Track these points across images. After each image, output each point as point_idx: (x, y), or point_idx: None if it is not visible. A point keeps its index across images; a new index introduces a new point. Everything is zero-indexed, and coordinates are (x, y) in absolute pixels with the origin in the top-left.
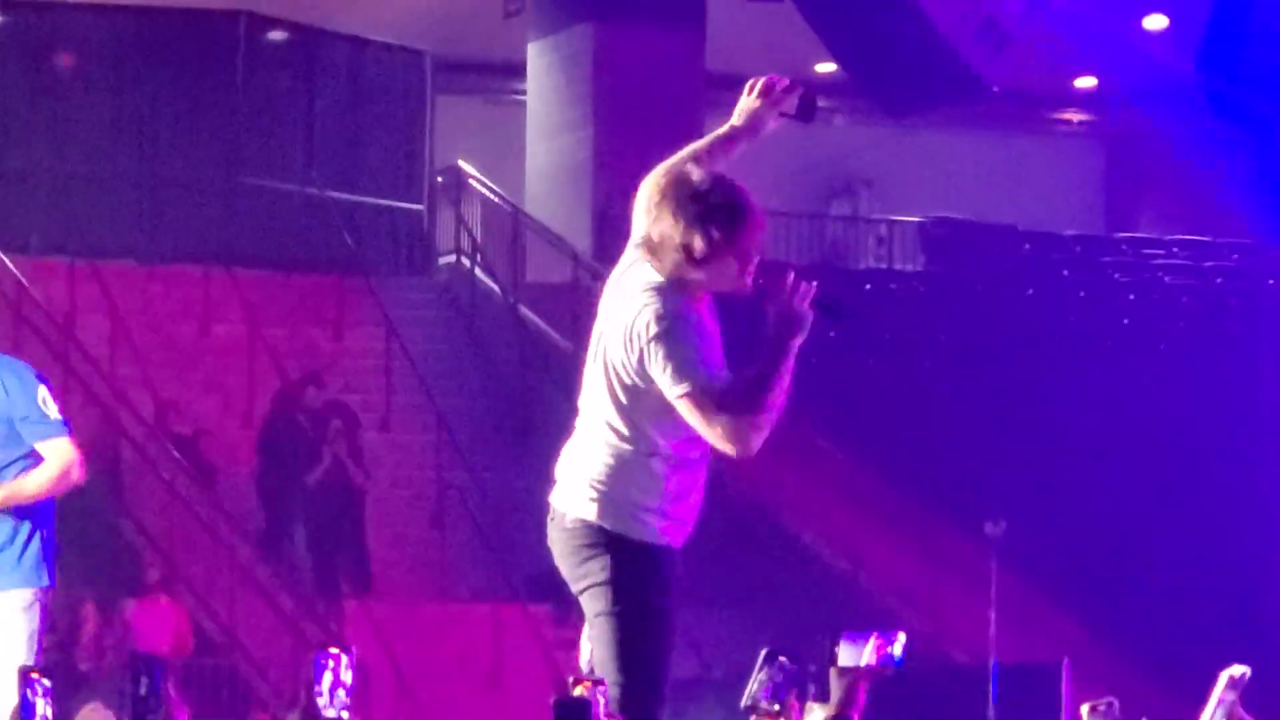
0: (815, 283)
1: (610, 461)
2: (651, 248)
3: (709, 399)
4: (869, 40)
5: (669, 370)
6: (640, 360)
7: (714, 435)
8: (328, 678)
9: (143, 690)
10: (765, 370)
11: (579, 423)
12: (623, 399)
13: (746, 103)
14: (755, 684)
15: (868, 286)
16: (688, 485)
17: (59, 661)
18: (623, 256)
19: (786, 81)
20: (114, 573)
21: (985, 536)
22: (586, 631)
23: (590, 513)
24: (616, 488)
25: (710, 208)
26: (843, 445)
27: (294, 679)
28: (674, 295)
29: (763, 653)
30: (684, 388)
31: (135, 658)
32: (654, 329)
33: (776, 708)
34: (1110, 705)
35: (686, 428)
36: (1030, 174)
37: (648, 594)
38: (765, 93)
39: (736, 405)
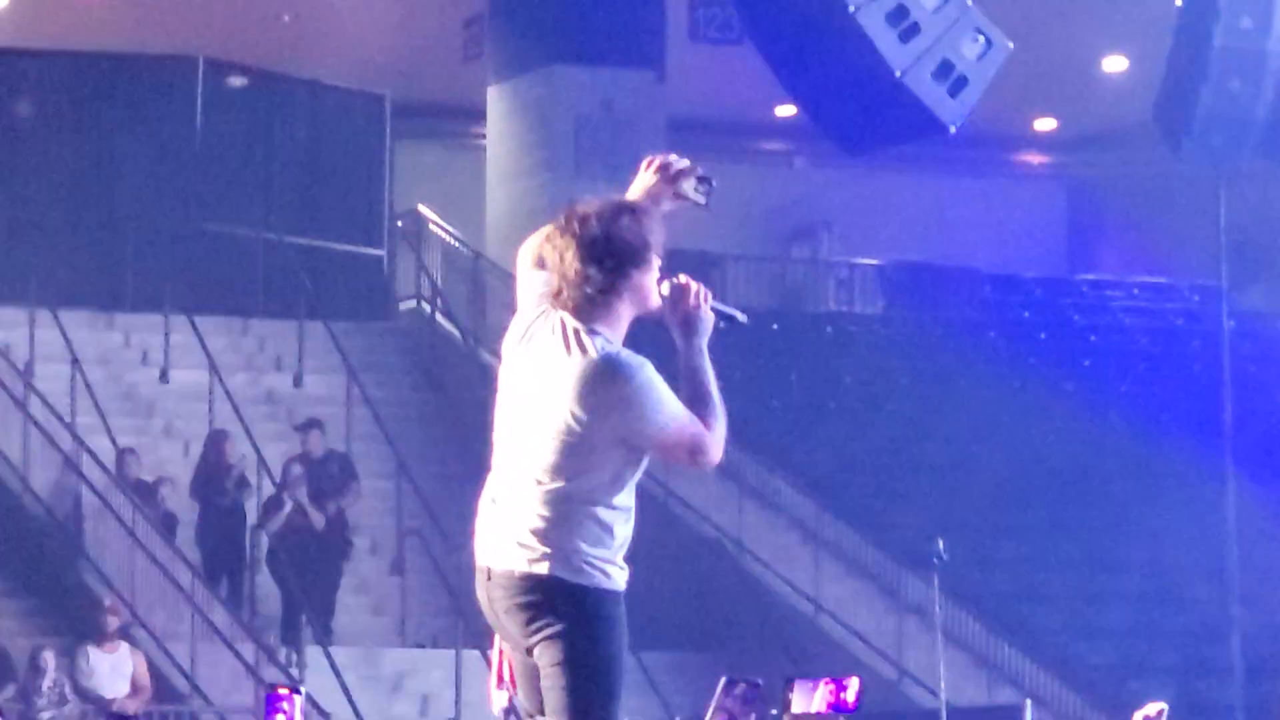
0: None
1: (552, 514)
2: (555, 297)
3: (686, 431)
4: (828, 83)
5: (652, 426)
6: (594, 411)
7: (697, 463)
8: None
9: None
10: (695, 381)
11: (497, 480)
12: (565, 453)
13: (644, 179)
14: (712, 714)
15: (829, 329)
16: (629, 532)
17: (20, 710)
18: (515, 323)
19: (686, 163)
20: (75, 620)
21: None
22: (495, 683)
23: (542, 567)
24: (566, 540)
25: (600, 245)
26: (803, 487)
27: None
28: (614, 345)
29: (722, 680)
30: (666, 433)
31: (107, 716)
32: (621, 393)
33: None
34: None
35: (628, 478)
36: (991, 216)
37: (606, 641)
38: (662, 169)
39: (708, 420)
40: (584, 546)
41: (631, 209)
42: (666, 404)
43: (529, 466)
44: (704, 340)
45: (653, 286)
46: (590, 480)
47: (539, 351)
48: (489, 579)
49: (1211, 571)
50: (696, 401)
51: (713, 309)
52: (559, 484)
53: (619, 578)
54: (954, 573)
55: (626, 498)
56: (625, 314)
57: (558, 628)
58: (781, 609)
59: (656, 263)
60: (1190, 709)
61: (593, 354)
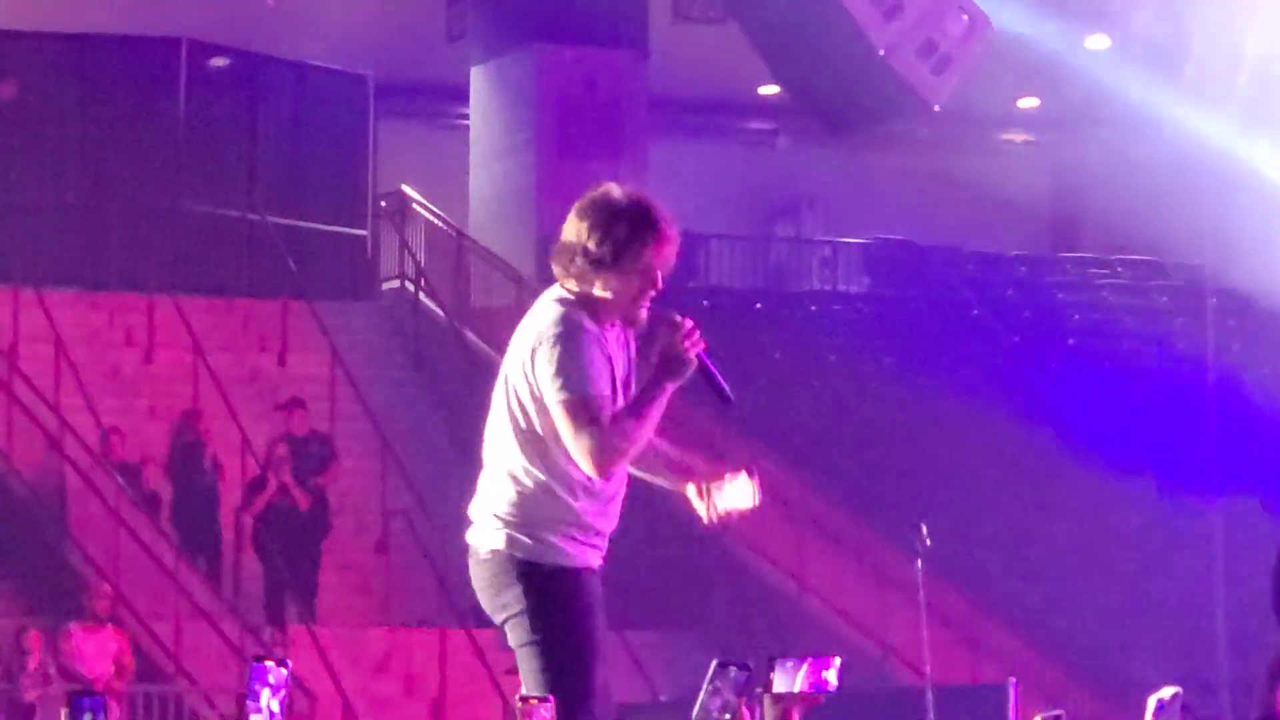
0: (705, 342)
1: (513, 491)
2: (557, 255)
3: (584, 411)
4: (812, 62)
5: (555, 373)
6: (535, 370)
7: (578, 448)
8: (265, 693)
9: None
10: (639, 401)
11: (484, 459)
12: (523, 426)
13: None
14: (706, 695)
15: (812, 307)
16: (598, 511)
17: (3, 690)
18: None
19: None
20: (59, 601)
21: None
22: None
23: (500, 543)
24: (521, 515)
25: (618, 211)
26: (787, 466)
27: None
28: (578, 309)
29: (713, 664)
30: (564, 394)
31: (73, 694)
32: (551, 332)
33: (728, 718)
34: (1058, 718)
35: None
36: (974, 194)
37: (565, 619)
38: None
39: (607, 425)
40: (541, 522)
41: (661, 218)
42: (576, 367)
43: (499, 443)
44: (674, 384)
45: (642, 293)
46: (531, 447)
47: (522, 325)
48: (470, 557)
49: (1198, 547)
50: (629, 410)
51: (706, 368)
52: (505, 452)
53: (581, 554)
54: (939, 550)
55: (589, 479)
56: (616, 289)
57: (518, 607)
58: (765, 587)
59: (657, 280)
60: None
61: (538, 302)
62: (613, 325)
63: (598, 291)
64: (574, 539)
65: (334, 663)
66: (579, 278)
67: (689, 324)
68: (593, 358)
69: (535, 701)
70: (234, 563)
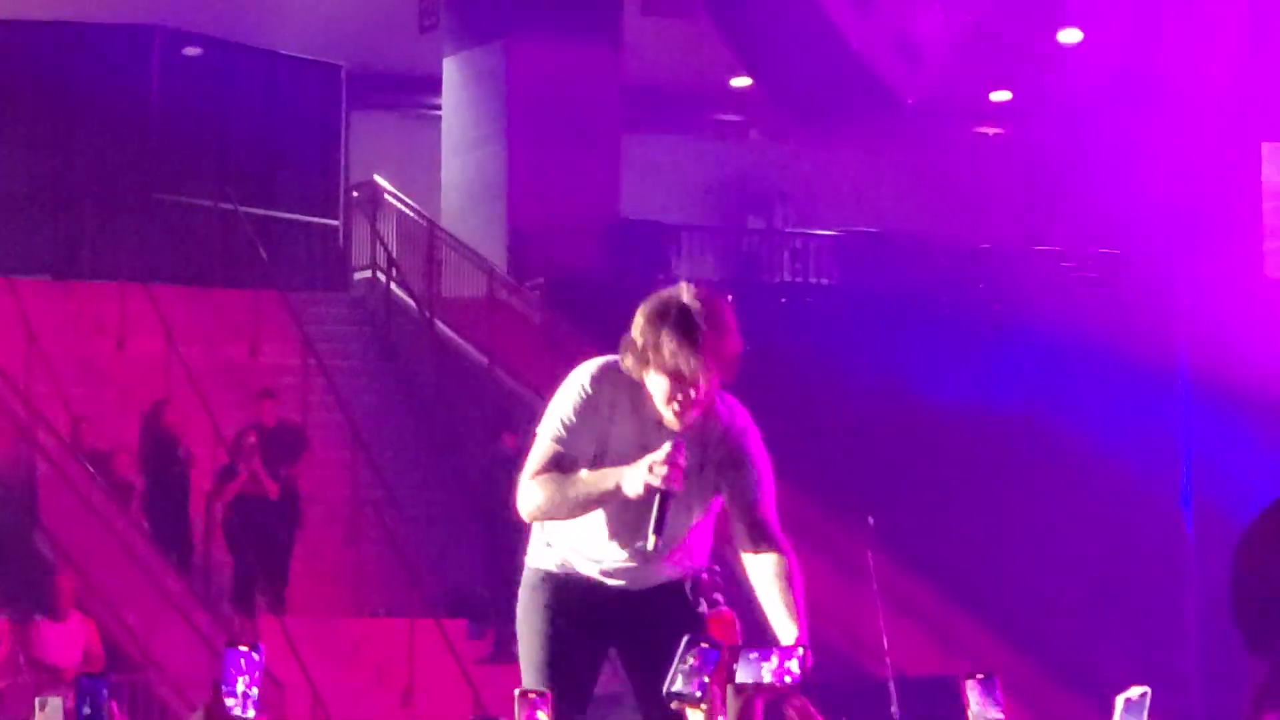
0: (676, 490)
1: None
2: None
3: (534, 452)
4: (784, 54)
5: (550, 406)
6: None
7: (520, 481)
8: (241, 680)
9: (86, 710)
10: (581, 479)
11: None
12: None
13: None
14: (678, 672)
15: (783, 300)
16: (594, 543)
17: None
18: None
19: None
20: (29, 589)
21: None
22: None
23: None
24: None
25: (663, 311)
26: None
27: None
28: (607, 373)
29: (684, 640)
30: (537, 430)
31: (79, 678)
32: (566, 379)
33: (699, 695)
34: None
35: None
36: (946, 187)
37: (533, 619)
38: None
39: (531, 477)
40: (536, 529)
41: (698, 328)
42: (553, 414)
43: None
44: (622, 493)
45: (668, 397)
46: None
47: None
48: None
49: (1169, 540)
50: (565, 480)
51: (663, 504)
52: None
53: (548, 557)
54: (908, 542)
55: None
56: (652, 383)
57: None
58: (734, 579)
59: (681, 386)
60: (1147, 679)
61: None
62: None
63: (646, 379)
64: (552, 544)
65: (303, 652)
66: (632, 365)
67: (679, 460)
68: (576, 413)
69: (532, 695)
70: (204, 553)
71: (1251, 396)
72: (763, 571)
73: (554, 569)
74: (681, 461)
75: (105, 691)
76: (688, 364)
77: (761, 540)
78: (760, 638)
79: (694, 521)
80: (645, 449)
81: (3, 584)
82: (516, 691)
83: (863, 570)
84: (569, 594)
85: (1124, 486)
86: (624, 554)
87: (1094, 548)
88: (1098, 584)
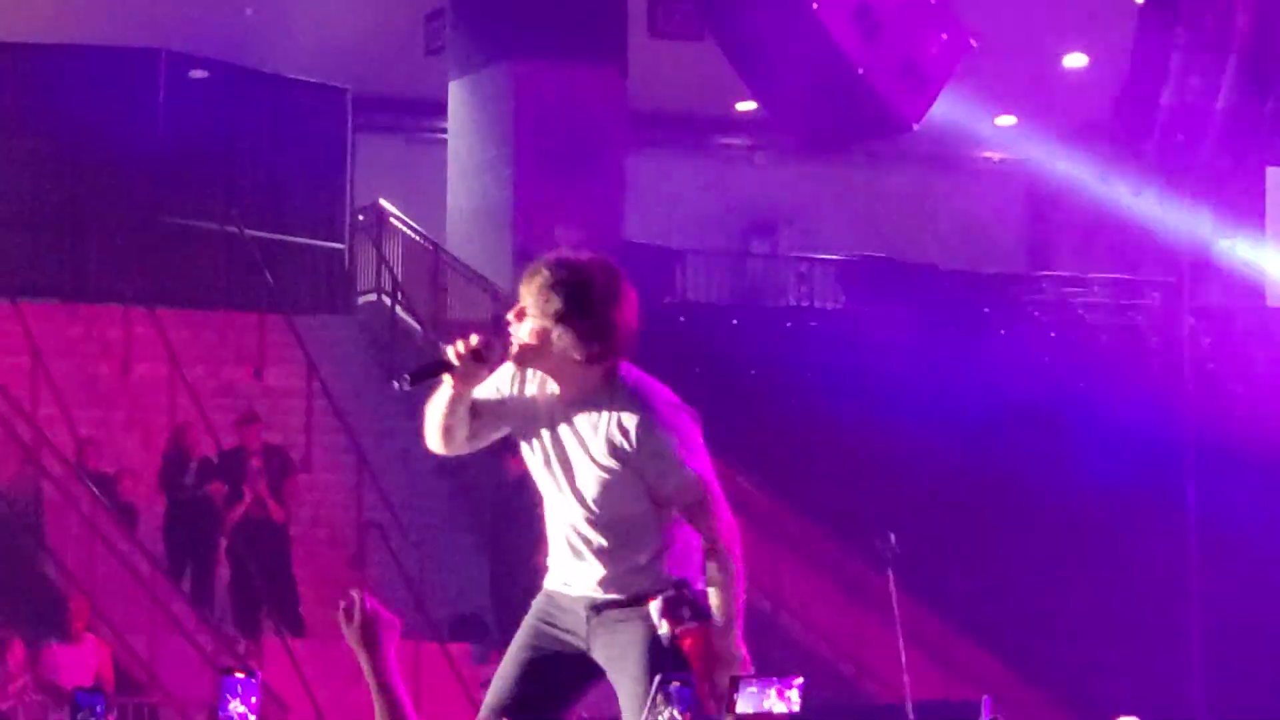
0: (452, 363)
1: None
2: None
3: None
4: (789, 78)
5: None
6: None
7: None
8: (236, 704)
9: None
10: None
11: None
12: None
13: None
14: (649, 715)
15: (788, 324)
16: (556, 544)
17: None
18: None
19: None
20: (35, 612)
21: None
22: None
23: None
24: None
25: None
26: (762, 484)
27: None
28: None
29: (656, 680)
30: None
31: (76, 692)
32: None
33: None
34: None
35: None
36: (950, 212)
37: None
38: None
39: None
40: None
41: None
42: None
43: None
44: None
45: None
46: None
47: None
48: None
49: (1174, 567)
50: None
51: (436, 366)
52: None
53: (549, 576)
54: (912, 569)
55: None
56: None
57: None
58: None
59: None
60: (1151, 707)
61: None
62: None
63: None
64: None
65: (308, 674)
66: None
67: (470, 342)
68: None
69: None
70: (210, 575)
71: (1257, 422)
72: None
73: (547, 586)
74: (473, 344)
75: (101, 707)
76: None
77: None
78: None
79: (615, 504)
80: (535, 404)
81: (10, 607)
82: None
83: (868, 595)
84: (550, 607)
85: (1129, 512)
86: (563, 547)
87: (1099, 573)
88: (1103, 610)
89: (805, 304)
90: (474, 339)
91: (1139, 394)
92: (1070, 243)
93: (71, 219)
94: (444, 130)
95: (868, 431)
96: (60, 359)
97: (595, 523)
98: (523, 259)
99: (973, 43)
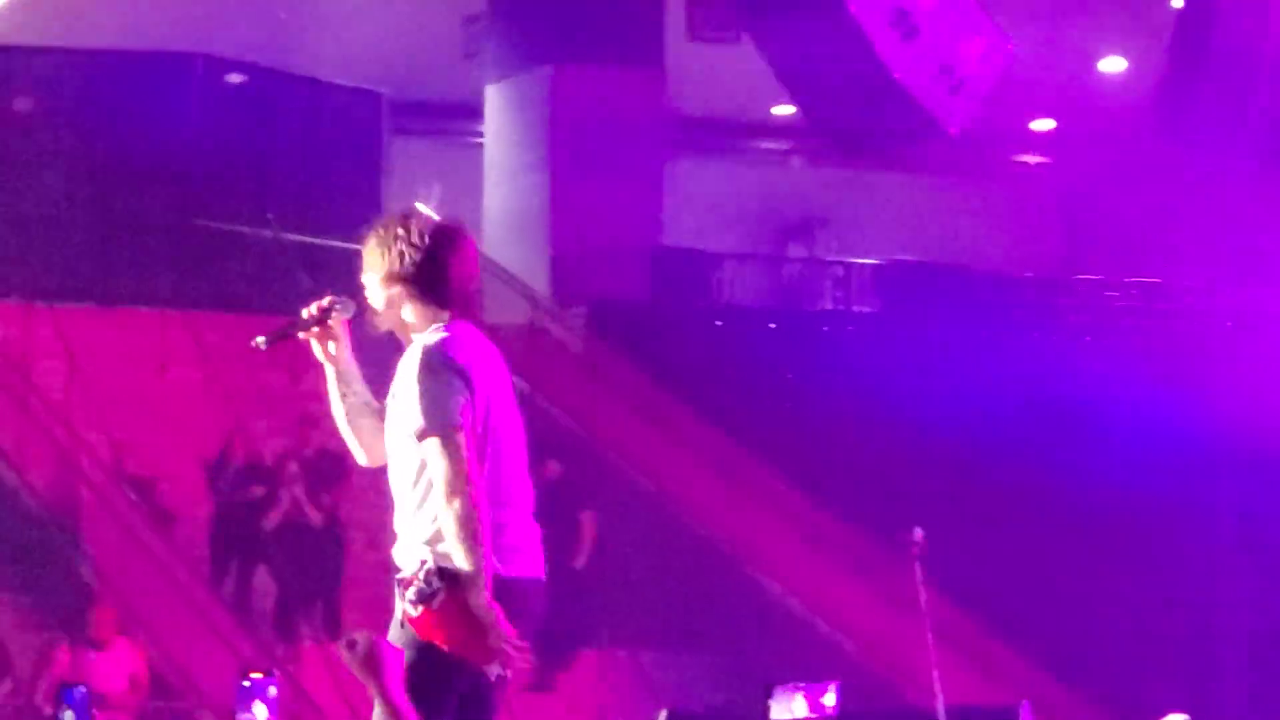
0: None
1: None
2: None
3: None
4: (827, 82)
5: None
6: None
7: None
8: (259, 707)
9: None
10: None
11: (524, 493)
12: None
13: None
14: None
15: (824, 328)
16: None
17: (21, 705)
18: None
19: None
20: (72, 616)
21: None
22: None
23: None
24: None
25: None
26: (800, 488)
27: None
28: None
29: (663, 714)
30: None
31: (60, 687)
32: None
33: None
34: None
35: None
36: (987, 216)
37: None
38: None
39: None
40: None
41: None
42: None
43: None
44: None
45: None
46: None
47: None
48: (544, 590)
49: (1211, 569)
50: None
51: (292, 326)
52: None
53: None
54: (948, 571)
55: None
56: None
57: None
58: (776, 608)
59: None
60: (1191, 709)
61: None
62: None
63: None
64: None
65: (344, 680)
66: None
67: (322, 303)
68: None
69: None
70: (250, 579)
71: None
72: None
73: None
74: (326, 305)
75: (84, 703)
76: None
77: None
78: None
79: (397, 465)
80: None
81: (45, 611)
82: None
83: (903, 597)
84: None
85: (1166, 514)
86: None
87: (1136, 576)
88: (1140, 612)
89: (842, 308)
90: (327, 299)
91: (1175, 396)
92: (1106, 246)
93: (107, 223)
94: (481, 134)
95: (903, 435)
96: (95, 363)
97: (395, 490)
98: (559, 263)
99: (1011, 47)
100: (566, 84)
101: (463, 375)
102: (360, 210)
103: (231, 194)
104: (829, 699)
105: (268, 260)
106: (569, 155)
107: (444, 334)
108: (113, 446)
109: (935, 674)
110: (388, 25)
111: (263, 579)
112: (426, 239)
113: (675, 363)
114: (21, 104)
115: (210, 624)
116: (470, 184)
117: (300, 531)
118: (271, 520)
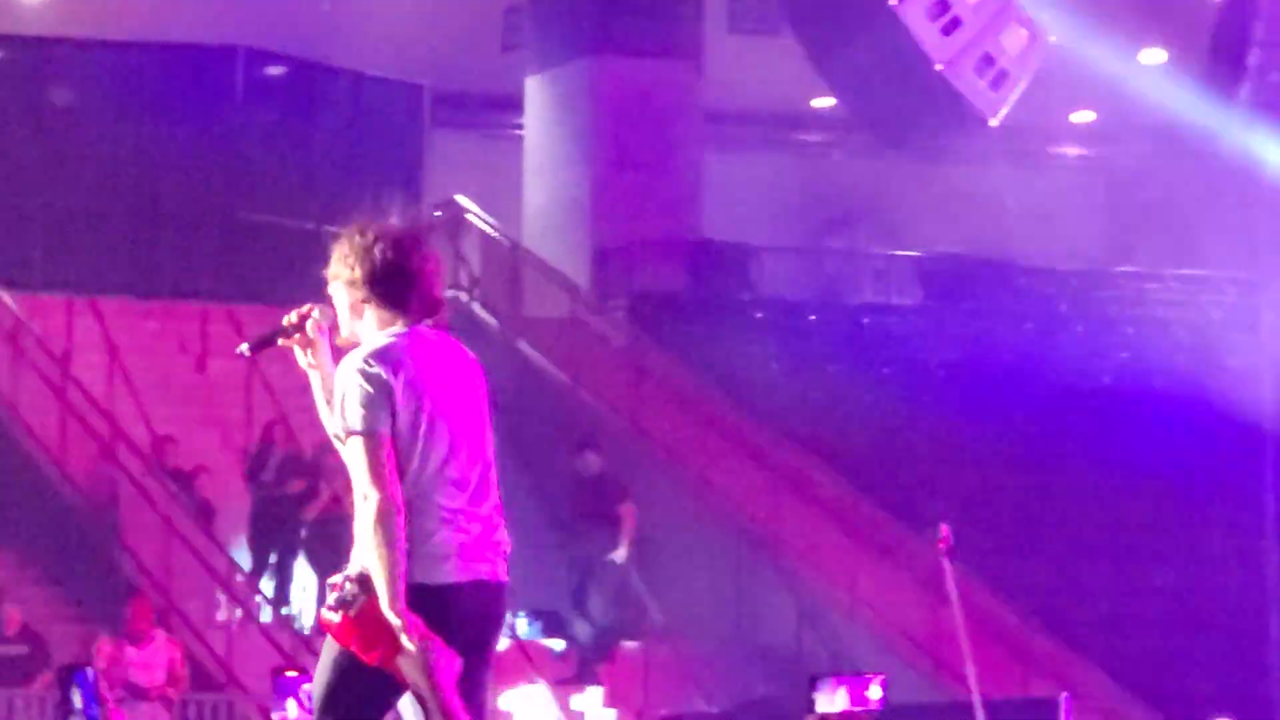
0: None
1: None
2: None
3: None
4: (867, 74)
5: None
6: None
7: None
8: (291, 704)
9: (76, 702)
10: None
11: (472, 493)
12: None
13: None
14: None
15: (865, 320)
16: None
17: (61, 699)
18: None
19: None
20: (110, 609)
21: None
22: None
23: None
24: None
25: None
26: (840, 480)
27: None
28: None
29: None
30: None
31: (62, 669)
32: None
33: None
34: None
35: None
36: (1028, 208)
37: None
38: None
39: None
40: None
41: None
42: None
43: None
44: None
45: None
46: None
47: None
48: (493, 593)
49: (1252, 560)
50: None
51: (275, 333)
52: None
53: None
54: (988, 563)
55: None
56: None
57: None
58: (817, 599)
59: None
60: (1230, 701)
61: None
62: None
63: None
64: None
65: None
66: None
67: (302, 310)
68: None
69: None
70: (288, 571)
71: None
72: None
73: None
74: (304, 312)
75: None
76: None
77: None
78: None
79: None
80: None
81: (84, 603)
82: None
83: (946, 590)
84: None
85: (1207, 506)
86: None
87: (1176, 568)
88: (1179, 604)
89: (882, 300)
90: (306, 307)
91: (1217, 389)
92: (1148, 238)
93: (148, 215)
94: (521, 126)
95: (944, 427)
96: (136, 356)
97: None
98: (600, 255)
99: (1052, 38)
100: (607, 76)
101: (382, 380)
102: (400, 202)
103: (272, 186)
104: (874, 692)
105: (309, 252)
106: (609, 147)
107: (386, 340)
108: (153, 439)
109: (969, 668)
110: (428, 18)
111: (302, 571)
112: (387, 247)
113: (716, 355)
114: (62, 97)
115: (250, 616)
116: (510, 176)
117: (340, 524)
118: (311, 513)
